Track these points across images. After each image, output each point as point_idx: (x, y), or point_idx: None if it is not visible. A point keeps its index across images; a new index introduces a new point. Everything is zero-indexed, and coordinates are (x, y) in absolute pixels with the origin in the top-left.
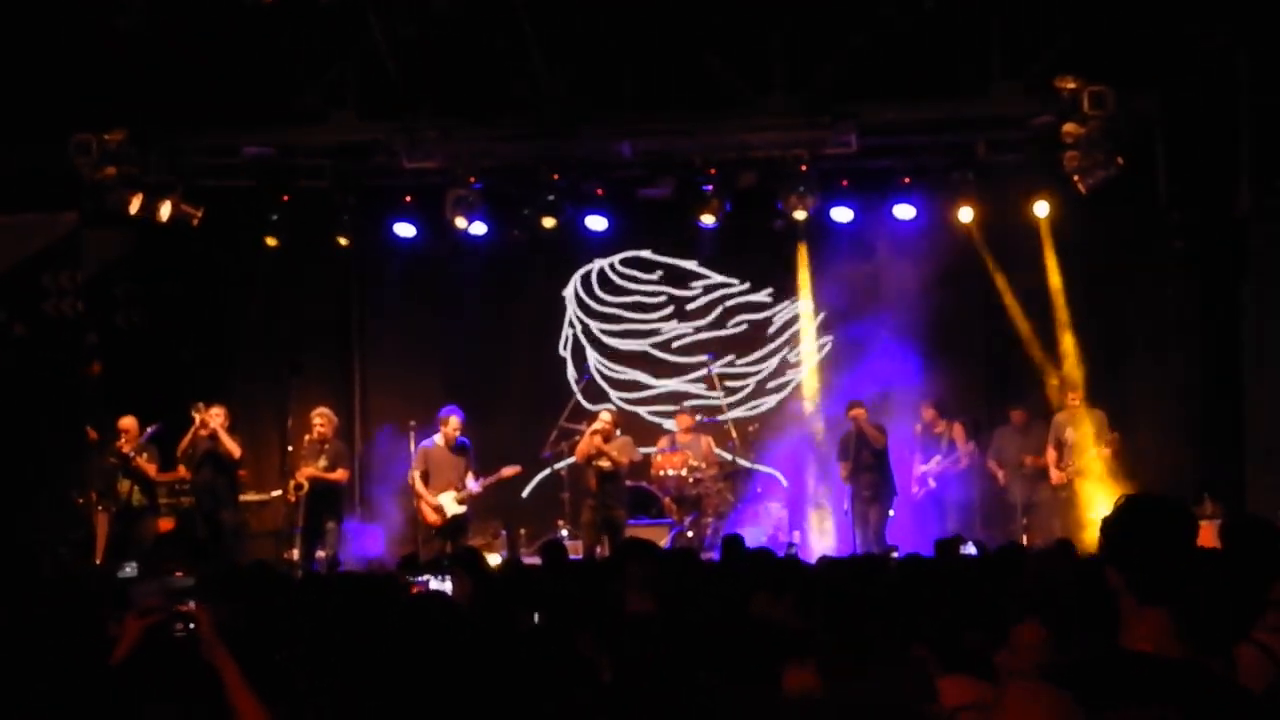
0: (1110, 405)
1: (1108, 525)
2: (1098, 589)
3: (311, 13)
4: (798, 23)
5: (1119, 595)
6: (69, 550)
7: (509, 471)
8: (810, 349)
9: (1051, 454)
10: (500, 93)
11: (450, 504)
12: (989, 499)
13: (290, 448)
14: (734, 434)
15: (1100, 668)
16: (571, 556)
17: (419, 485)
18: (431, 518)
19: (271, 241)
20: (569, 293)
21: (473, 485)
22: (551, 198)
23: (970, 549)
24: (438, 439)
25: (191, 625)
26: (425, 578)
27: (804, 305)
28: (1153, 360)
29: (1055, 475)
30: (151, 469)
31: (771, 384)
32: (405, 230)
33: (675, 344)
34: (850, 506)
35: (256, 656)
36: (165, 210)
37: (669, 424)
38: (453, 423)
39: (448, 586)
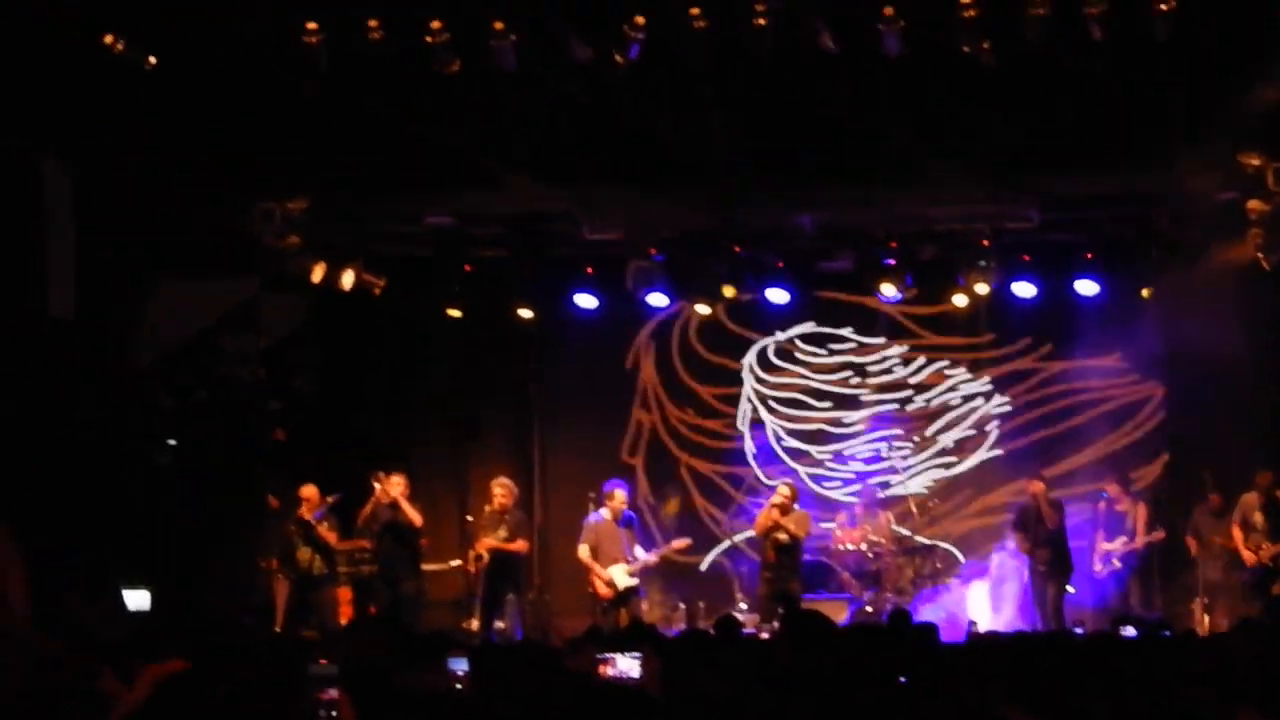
0: None
1: None
2: None
3: (492, 79)
4: (978, 93)
5: None
6: (251, 618)
7: (679, 544)
8: (990, 424)
9: (1237, 534)
10: (679, 161)
11: (621, 576)
12: (1170, 578)
13: (469, 517)
14: (914, 509)
15: None
16: (747, 630)
17: (589, 559)
18: (603, 591)
19: (454, 312)
20: (747, 365)
21: (644, 556)
22: (732, 270)
23: (1130, 631)
24: (605, 513)
25: (334, 714)
26: (611, 655)
27: (985, 380)
28: None
29: (1247, 556)
30: (332, 537)
31: (951, 459)
32: (586, 301)
33: (854, 418)
34: (1029, 581)
35: None
36: (348, 279)
37: (848, 498)
38: (618, 496)
39: (634, 663)
